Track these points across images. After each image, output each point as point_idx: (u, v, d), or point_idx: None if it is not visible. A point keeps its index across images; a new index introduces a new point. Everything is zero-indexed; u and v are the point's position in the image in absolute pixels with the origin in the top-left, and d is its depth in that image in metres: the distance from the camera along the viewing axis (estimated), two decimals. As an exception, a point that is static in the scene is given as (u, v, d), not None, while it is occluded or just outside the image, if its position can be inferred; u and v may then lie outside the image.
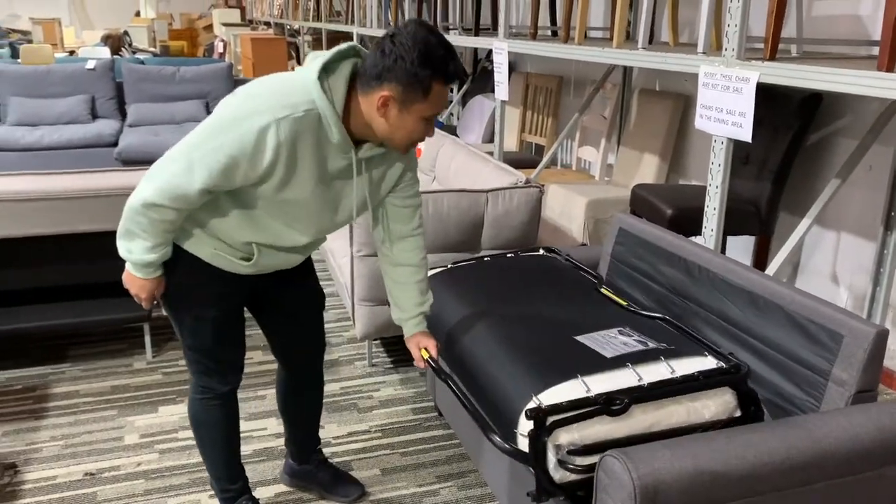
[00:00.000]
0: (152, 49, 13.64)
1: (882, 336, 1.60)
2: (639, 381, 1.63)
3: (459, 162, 3.33)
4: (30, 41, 13.83)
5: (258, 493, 2.16)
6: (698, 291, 2.09)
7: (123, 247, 1.66)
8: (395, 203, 1.81)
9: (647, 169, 3.83)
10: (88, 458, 2.32)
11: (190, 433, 2.46)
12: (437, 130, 3.91)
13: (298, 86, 1.53)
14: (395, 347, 3.11)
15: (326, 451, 2.37)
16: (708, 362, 1.72)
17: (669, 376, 1.65)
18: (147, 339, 2.95)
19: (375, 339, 3.12)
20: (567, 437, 1.54)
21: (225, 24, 12.72)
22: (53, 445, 2.39)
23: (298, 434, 2.13)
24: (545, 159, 4.14)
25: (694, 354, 1.75)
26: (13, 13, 18.81)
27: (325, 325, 3.34)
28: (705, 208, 2.40)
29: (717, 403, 1.67)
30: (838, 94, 2.85)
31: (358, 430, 2.50)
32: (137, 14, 16.88)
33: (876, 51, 2.64)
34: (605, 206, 3.62)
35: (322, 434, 2.46)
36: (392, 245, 1.85)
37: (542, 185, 3.05)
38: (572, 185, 3.87)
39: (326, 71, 1.55)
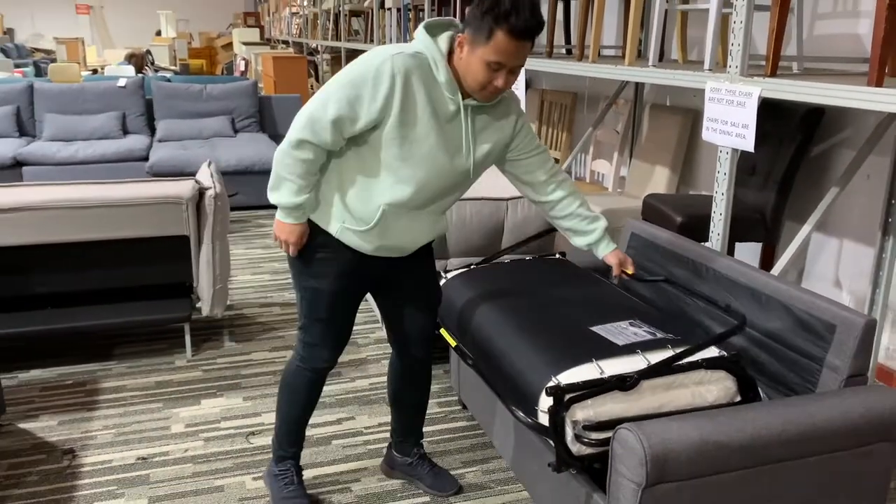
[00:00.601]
0: (173, 67, 13.97)
1: (871, 326, 1.77)
2: (648, 364, 1.80)
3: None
4: (53, 60, 14.20)
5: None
6: (706, 290, 2.25)
7: (274, 196, 1.86)
8: (520, 158, 1.99)
9: (659, 180, 4.00)
10: (139, 445, 2.50)
11: (232, 423, 2.64)
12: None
13: (410, 42, 1.80)
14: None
15: (359, 438, 2.55)
16: (710, 351, 1.88)
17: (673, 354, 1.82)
18: (187, 338, 3.15)
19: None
20: (583, 413, 1.71)
21: (245, 43, 13.03)
22: (106, 433, 2.57)
23: (404, 424, 2.28)
24: (560, 171, 4.32)
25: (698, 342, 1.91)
26: (37, 33, 19.28)
27: (354, 327, 3.52)
28: (712, 214, 2.57)
29: (720, 388, 1.83)
30: (839, 107, 3.02)
31: (387, 420, 2.67)
32: (158, 33, 17.26)
33: (873, 67, 2.81)
34: (619, 215, 3.79)
35: (354, 424, 2.64)
36: (542, 194, 2.02)
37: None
38: (587, 196, 4.04)
39: (431, 33, 1.80)
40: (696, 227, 3.08)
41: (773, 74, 2.35)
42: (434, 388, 2.92)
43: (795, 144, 3.06)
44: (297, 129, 1.79)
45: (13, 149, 5.52)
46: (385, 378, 3.01)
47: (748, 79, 2.34)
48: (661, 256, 2.48)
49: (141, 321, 3.03)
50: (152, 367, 3.08)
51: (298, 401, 2.10)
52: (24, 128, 6.02)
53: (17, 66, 11.26)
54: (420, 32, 1.80)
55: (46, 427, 2.61)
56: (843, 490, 1.71)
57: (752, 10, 2.34)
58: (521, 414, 1.75)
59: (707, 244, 2.61)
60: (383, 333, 3.46)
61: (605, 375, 1.75)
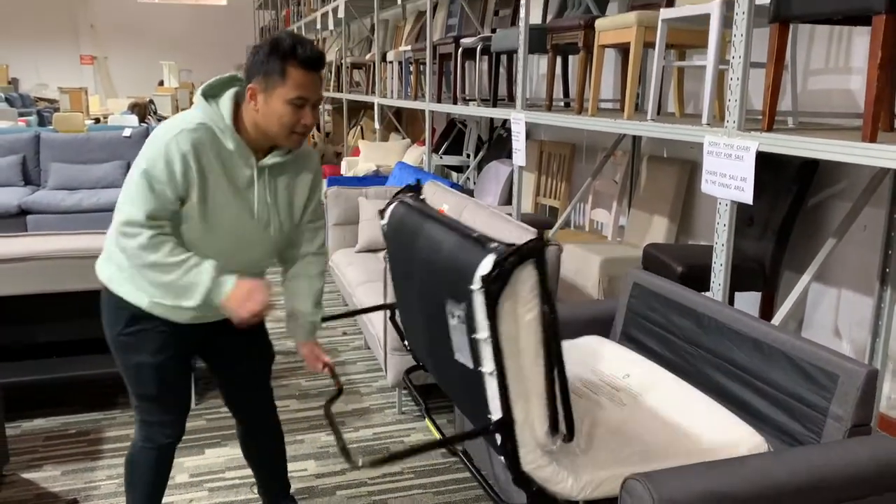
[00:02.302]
0: (175, 117, 14.12)
1: (872, 375, 1.80)
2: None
3: (482, 222, 3.56)
4: (56, 109, 14.40)
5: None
6: (709, 339, 2.28)
7: (189, 300, 1.75)
8: (305, 222, 2.02)
9: (657, 230, 4.06)
10: (143, 495, 2.49)
11: (236, 473, 2.64)
12: (458, 193, 4.17)
13: (188, 112, 1.79)
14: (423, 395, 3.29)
15: (363, 489, 2.54)
16: None
17: None
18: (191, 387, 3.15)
19: (405, 388, 3.31)
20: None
21: (246, 93, 13.22)
22: (110, 483, 2.57)
23: (264, 480, 2.25)
24: (560, 220, 4.38)
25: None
26: (41, 82, 19.57)
27: (356, 376, 3.53)
28: (713, 264, 2.61)
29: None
30: (832, 160, 3.09)
31: (392, 471, 2.67)
32: (161, 83, 17.53)
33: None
34: (619, 264, 3.83)
35: (359, 475, 2.63)
36: (296, 263, 2.03)
37: (561, 244, 3.27)
38: (586, 245, 4.09)
39: (212, 97, 1.80)
40: (697, 277, 3.12)
41: (769, 129, 2.41)
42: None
43: (792, 196, 3.12)
44: (131, 233, 1.72)
45: (18, 197, 5.58)
46: (388, 428, 3.01)
47: (745, 133, 2.41)
48: (663, 306, 2.51)
49: (145, 370, 3.03)
50: (156, 416, 3.08)
51: (149, 482, 2.03)
52: (30, 177, 6.09)
53: (21, 115, 11.42)
54: (198, 100, 1.79)
55: (50, 477, 2.60)
56: (850, 541, 1.72)
57: (748, 67, 2.41)
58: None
59: (708, 294, 2.64)
60: (385, 382, 3.47)
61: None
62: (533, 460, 1.70)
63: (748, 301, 3.63)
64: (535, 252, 1.53)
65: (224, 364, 2.06)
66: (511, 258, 1.51)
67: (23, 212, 5.58)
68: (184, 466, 2.68)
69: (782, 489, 1.61)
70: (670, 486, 1.56)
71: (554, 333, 1.60)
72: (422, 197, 2.19)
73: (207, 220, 1.79)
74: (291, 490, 2.47)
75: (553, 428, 1.67)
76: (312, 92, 1.78)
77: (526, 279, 1.56)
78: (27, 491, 2.51)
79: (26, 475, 2.61)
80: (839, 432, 1.82)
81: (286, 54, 1.73)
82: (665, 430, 2.00)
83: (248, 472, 2.65)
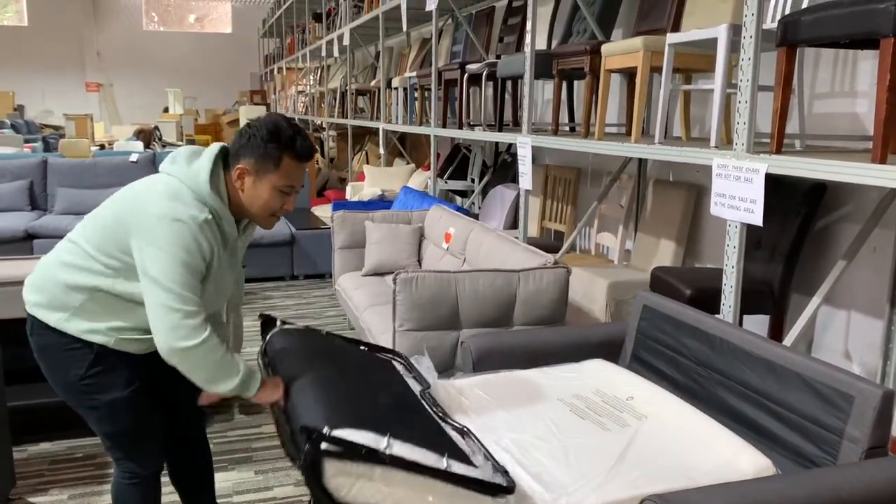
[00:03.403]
0: (180, 143, 14.25)
1: (889, 396, 1.78)
2: (446, 467, 1.63)
3: (489, 245, 3.58)
4: (62, 136, 14.51)
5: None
6: (720, 361, 2.27)
7: (223, 386, 1.78)
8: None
9: (664, 253, 4.06)
10: (150, 520, 2.47)
11: (244, 497, 2.62)
12: (464, 216, 4.18)
13: (192, 188, 1.78)
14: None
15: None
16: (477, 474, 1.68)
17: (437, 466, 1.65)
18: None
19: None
20: (341, 479, 1.58)
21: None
22: (117, 508, 2.54)
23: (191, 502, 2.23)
24: (566, 244, 4.39)
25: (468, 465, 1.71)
26: (46, 109, 19.73)
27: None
28: (723, 286, 2.61)
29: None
30: (840, 183, 3.10)
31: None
32: (166, 110, 17.66)
33: (871, 145, 2.90)
34: (626, 287, 3.83)
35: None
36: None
37: (569, 266, 3.27)
38: (593, 269, 4.10)
39: (214, 182, 1.82)
40: (705, 300, 3.11)
41: (778, 151, 2.42)
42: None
43: (800, 218, 3.13)
44: (176, 322, 1.70)
45: (25, 222, 5.60)
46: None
47: (755, 155, 2.42)
48: (674, 328, 2.50)
49: (153, 393, 3.02)
50: (162, 440, 3.06)
51: None
52: (37, 202, 6.12)
53: (26, 141, 11.49)
54: (206, 191, 1.78)
55: (57, 501, 2.58)
56: (869, 565, 1.69)
57: (756, 91, 2.43)
58: (293, 449, 1.65)
59: (718, 316, 2.64)
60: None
61: (386, 450, 1.60)
62: None
63: (757, 324, 3.62)
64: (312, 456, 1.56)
65: (172, 386, 2.06)
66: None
67: (29, 236, 5.59)
68: (191, 491, 2.66)
69: (800, 511, 1.59)
70: (688, 507, 1.54)
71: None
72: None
73: (213, 284, 1.87)
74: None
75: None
76: (300, 181, 1.86)
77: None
78: (34, 515, 2.49)
79: (33, 499, 2.59)
80: (855, 454, 1.81)
81: (285, 145, 1.80)
82: (670, 453, 1.99)
83: (256, 496, 2.63)
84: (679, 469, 1.91)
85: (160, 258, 1.71)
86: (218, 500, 2.58)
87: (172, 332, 1.70)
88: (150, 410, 1.96)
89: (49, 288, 1.84)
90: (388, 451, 1.58)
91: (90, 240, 1.82)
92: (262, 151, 1.79)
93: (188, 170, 1.81)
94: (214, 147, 1.87)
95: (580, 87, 5.00)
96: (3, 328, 2.96)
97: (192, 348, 1.70)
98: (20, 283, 2.84)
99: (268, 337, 2.11)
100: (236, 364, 1.80)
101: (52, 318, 1.82)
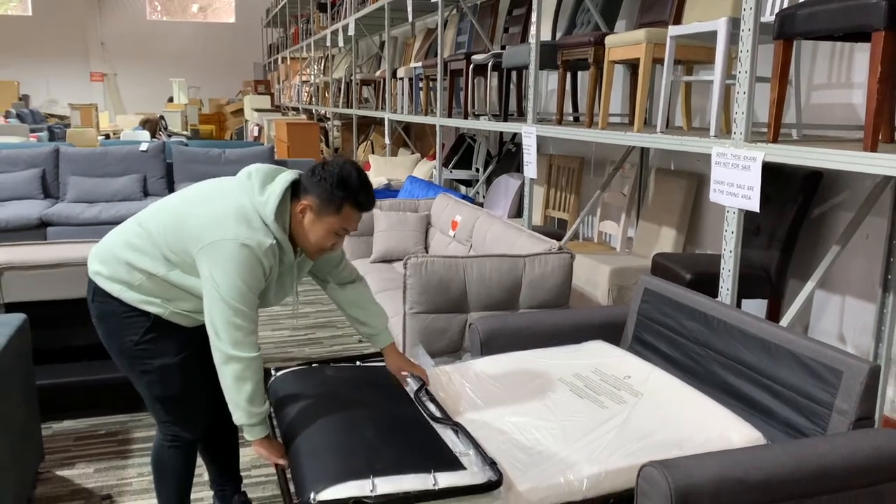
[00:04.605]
0: (185, 132, 14.35)
1: (875, 371, 1.89)
2: (433, 485, 1.74)
3: (496, 232, 3.68)
4: (67, 125, 14.61)
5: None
6: (718, 341, 2.39)
7: (242, 409, 1.92)
8: (324, 265, 2.22)
9: (665, 240, 4.17)
10: (174, 492, 2.59)
11: (262, 471, 2.73)
12: (470, 205, 4.29)
13: (258, 222, 1.91)
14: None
15: None
16: (465, 477, 1.80)
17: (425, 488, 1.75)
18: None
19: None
20: None
21: (256, 110, 13.41)
22: (141, 480, 2.66)
23: (222, 470, 2.36)
24: (569, 232, 4.49)
25: (457, 469, 1.82)
26: (51, 99, 19.82)
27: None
28: (721, 270, 2.72)
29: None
30: (836, 171, 3.20)
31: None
32: (170, 100, 17.75)
33: (867, 134, 3.00)
34: (628, 273, 3.94)
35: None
36: (335, 281, 2.25)
37: (573, 252, 3.38)
38: (596, 256, 4.20)
39: (279, 212, 1.95)
40: (704, 284, 3.22)
41: (775, 140, 2.53)
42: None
43: (797, 206, 3.23)
44: (240, 334, 1.88)
45: (39, 210, 5.71)
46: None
47: (752, 144, 2.52)
48: (674, 310, 2.61)
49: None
50: (181, 418, 3.18)
51: (179, 481, 2.15)
52: (49, 190, 6.23)
53: (32, 130, 11.59)
54: (271, 220, 1.91)
55: (83, 474, 2.70)
56: (855, 527, 1.81)
57: (755, 82, 2.53)
58: None
59: (717, 300, 2.74)
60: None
61: (372, 495, 1.69)
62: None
63: (754, 308, 3.73)
64: None
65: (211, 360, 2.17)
66: None
67: (43, 224, 5.70)
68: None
69: (790, 476, 1.71)
70: (686, 472, 1.66)
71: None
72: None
73: (271, 295, 2.03)
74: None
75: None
76: (355, 227, 2.01)
77: None
78: (63, 487, 2.61)
79: (60, 472, 2.71)
80: (843, 425, 1.92)
81: (350, 195, 1.94)
82: (665, 427, 2.10)
83: (272, 469, 2.74)
84: (673, 442, 2.03)
85: (227, 277, 1.86)
86: (250, 468, 2.70)
87: (235, 345, 1.88)
88: (198, 378, 2.10)
89: (112, 263, 1.99)
90: (374, 493, 1.69)
91: (158, 230, 1.95)
92: (328, 195, 1.93)
93: (260, 196, 1.94)
94: (287, 176, 1.99)
95: (583, 77, 5.10)
96: (33, 311, 3.07)
97: (247, 359, 1.89)
98: (44, 266, 2.95)
99: (268, 386, 2.28)
100: (263, 401, 1.95)
101: (113, 289, 1.98)
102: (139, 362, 2.01)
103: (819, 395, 1.99)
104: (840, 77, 3.19)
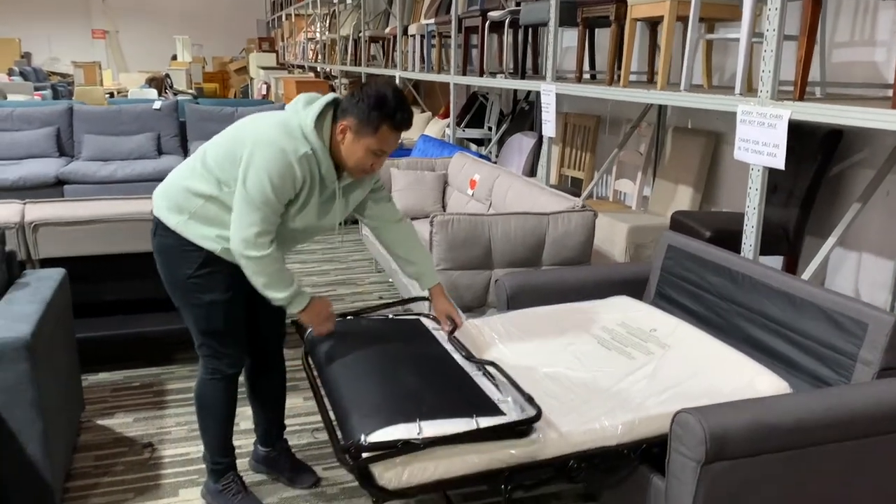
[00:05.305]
0: (190, 90, 14.27)
1: (900, 323, 1.96)
2: (476, 427, 1.79)
3: (517, 190, 3.73)
4: (70, 83, 14.52)
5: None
6: (742, 295, 2.45)
7: (276, 293, 2.05)
8: (372, 204, 2.31)
9: (682, 199, 4.21)
10: (212, 440, 2.68)
11: (295, 420, 2.83)
12: (488, 163, 4.32)
13: (299, 123, 2.01)
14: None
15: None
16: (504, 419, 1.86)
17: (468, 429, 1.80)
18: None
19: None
20: (391, 473, 1.75)
21: (262, 68, 13.33)
22: (180, 429, 2.76)
23: (268, 416, 2.45)
24: (586, 191, 4.53)
25: (496, 414, 1.88)
26: (53, 56, 19.64)
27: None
28: (744, 227, 2.77)
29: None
30: (856, 129, 3.23)
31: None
32: (174, 58, 17.60)
33: (890, 92, 3.03)
34: (645, 232, 3.99)
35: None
36: (380, 222, 2.33)
37: (595, 210, 3.43)
38: (613, 214, 4.25)
39: (319, 127, 2.03)
40: (723, 241, 3.27)
41: (800, 98, 2.56)
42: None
43: (816, 164, 3.27)
44: (262, 243, 1.99)
45: (55, 168, 5.74)
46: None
47: (778, 102, 2.55)
48: (698, 265, 2.67)
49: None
50: (212, 371, 3.27)
51: (221, 415, 2.24)
52: (64, 148, 6.25)
53: (36, 88, 11.54)
54: (310, 130, 2.00)
55: (123, 423, 2.79)
56: (878, 471, 1.89)
57: (782, 40, 2.55)
58: (341, 456, 1.77)
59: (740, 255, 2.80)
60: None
61: (420, 437, 1.75)
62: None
63: (771, 264, 3.79)
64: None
65: (260, 303, 2.24)
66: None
67: (60, 182, 5.74)
68: (246, 414, 2.87)
69: (818, 422, 1.78)
70: (719, 418, 1.73)
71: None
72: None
73: (293, 222, 2.09)
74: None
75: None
76: (393, 147, 2.07)
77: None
78: (105, 435, 2.70)
79: (101, 422, 2.80)
80: (868, 375, 1.99)
81: (387, 115, 1.99)
82: (694, 376, 2.17)
83: (307, 419, 2.84)
84: (702, 390, 2.10)
85: (256, 174, 1.96)
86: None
87: (244, 243, 1.98)
88: (242, 318, 2.21)
89: (172, 193, 2.10)
90: (421, 436, 1.75)
91: (213, 156, 2.06)
92: (365, 115, 1.99)
93: (303, 111, 2.04)
94: (329, 96, 2.07)
95: (600, 35, 5.08)
96: (73, 265, 3.14)
97: (255, 258, 1.99)
98: (78, 223, 3.01)
99: (305, 337, 2.35)
100: (290, 281, 2.06)
101: (173, 221, 2.09)
102: (191, 296, 2.12)
103: (844, 347, 2.06)
104: (864, 34, 3.20)
